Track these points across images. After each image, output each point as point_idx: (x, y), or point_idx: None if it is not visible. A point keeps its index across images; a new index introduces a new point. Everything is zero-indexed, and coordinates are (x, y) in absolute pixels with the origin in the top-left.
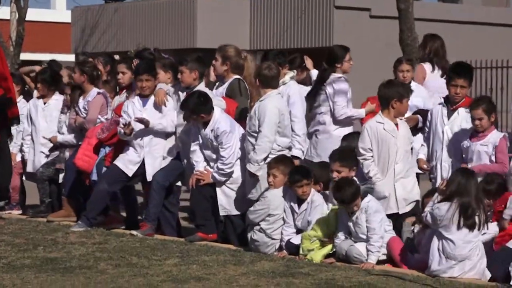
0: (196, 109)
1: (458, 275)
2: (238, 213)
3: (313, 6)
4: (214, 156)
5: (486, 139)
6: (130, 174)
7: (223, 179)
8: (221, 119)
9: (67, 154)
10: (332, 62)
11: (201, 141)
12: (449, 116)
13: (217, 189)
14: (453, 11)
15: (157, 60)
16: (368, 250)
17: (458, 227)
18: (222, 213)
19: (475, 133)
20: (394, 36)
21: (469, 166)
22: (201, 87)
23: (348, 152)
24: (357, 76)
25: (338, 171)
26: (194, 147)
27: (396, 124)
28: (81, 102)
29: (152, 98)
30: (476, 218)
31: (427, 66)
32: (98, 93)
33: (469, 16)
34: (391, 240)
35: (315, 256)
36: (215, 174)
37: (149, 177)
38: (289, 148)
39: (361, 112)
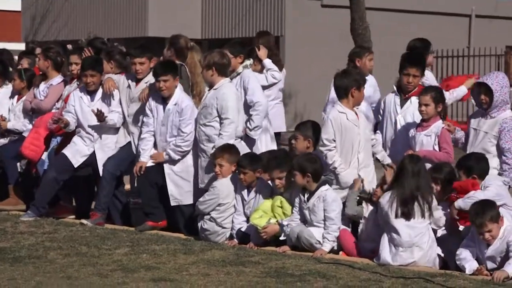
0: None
1: (408, 263)
2: (189, 203)
3: None
4: (174, 133)
5: (430, 129)
6: (75, 165)
7: (177, 157)
8: (183, 95)
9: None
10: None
11: (160, 118)
12: (402, 105)
13: (167, 179)
14: (403, 1)
15: (107, 50)
16: (324, 237)
17: (396, 215)
18: (173, 203)
19: (421, 122)
20: (346, 25)
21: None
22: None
23: (282, 156)
24: (309, 65)
25: (280, 178)
26: (144, 135)
27: (356, 114)
28: (42, 85)
29: (99, 93)
30: (417, 207)
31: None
32: (63, 80)
33: (421, 5)
34: (342, 232)
35: (260, 221)
36: (171, 152)
37: (101, 172)
38: (242, 138)
39: (463, 89)
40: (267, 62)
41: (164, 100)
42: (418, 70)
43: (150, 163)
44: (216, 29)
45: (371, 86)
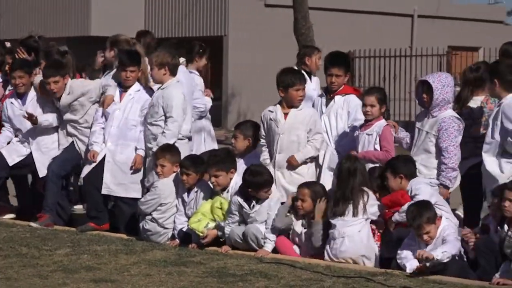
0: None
1: (341, 253)
2: (121, 195)
3: None
4: (132, 119)
5: (371, 128)
6: (10, 163)
7: (173, 140)
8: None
9: None
10: None
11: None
12: (327, 104)
13: (105, 167)
14: (346, 2)
15: (41, 48)
16: (266, 238)
17: (333, 215)
18: (103, 191)
19: (364, 122)
20: (289, 25)
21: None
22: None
23: (223, 155)
24: (253, 65)
25: (216, 176)
26: (95, 128)
27: (286, 114)
28: None
29: (30, 94)
30: (351, 206)
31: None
32: (4, 80)
33: (364, 5)
34: (279, 239)
35: (198, 225)
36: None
37: (40, 173)
38: (189, 138)
39: None
40: None
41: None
42: (341, 70)
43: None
44: (160, 28)
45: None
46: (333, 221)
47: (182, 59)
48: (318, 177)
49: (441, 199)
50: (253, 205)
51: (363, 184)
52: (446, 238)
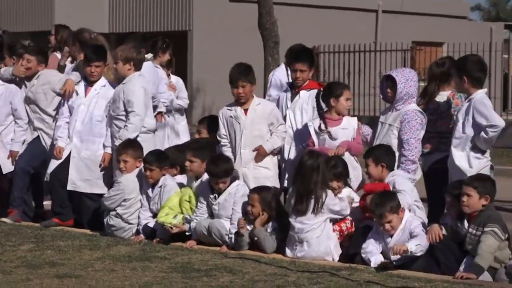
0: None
1: (301, 256)
2: (86, 191)
3: None
4: (98, 114)
5: (344, 123)
6: None
7: (135, 134)
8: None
9: None
10: None
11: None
12: (292, 99)
13: (71, 162)
14: None
15: (5, 43)
16: (230, 232)
17: (292, 212)
18: (69, 187)
19: (327, 116)
20: (253, 20)
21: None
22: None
23: (203, 144)
24: (217, 59)
25: (191, 161)
26: (60, 122)
27: (246, 110)
28: None
29: None
30: (312, 203)
31: (58, 54)
32: None
33: (329, 0)
34: None
35: (166, 219)
36: (124, 132)
37: (4, 170)
38: (154, 131)
39: None
40: None
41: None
42: (305, 65)
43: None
44: (124, 23)
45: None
46: (292, 222)
47: (150, 55)
48: (284, 172)
49: (417, 196)
50: (215, 196)
51: (324, 181)
52: (415, 231)
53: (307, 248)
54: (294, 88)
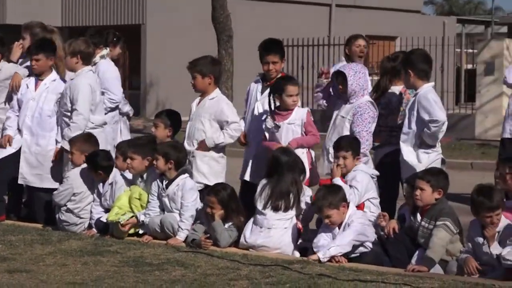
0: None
1: (262, 242)
2: (37, 185)
3: None
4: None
5: (292, 117)
6: None
7: (78, 132)
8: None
9: None
10: None
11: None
12: (262, 92)
13: (21, 157)
14: None
15: None
16: (179, 226)
17: (264, 207)
18: (20, 181)
19: (274, 111)
20: (207, 13)
21: (282, 143)
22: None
23: (143, 141)
24: (171, 53)
25: (132, 158)
26: (9, 114)
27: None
28: None
29: None
30: (288, 200)
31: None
32: None
33: None
34: None
35: (116, 218)
36: (68, 131)
37: None
38: (103, 125)
39: None
40: None
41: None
42: (276, 56)
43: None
44: (77, 17)
45: None
46: (263, 210)
47: (106, 51)
48: (246, 164)
49: (375, 193)
50: (165, 187)
51: (298, 177)
52: (350, 224)
53: (272, 235)
54: (266, 80)
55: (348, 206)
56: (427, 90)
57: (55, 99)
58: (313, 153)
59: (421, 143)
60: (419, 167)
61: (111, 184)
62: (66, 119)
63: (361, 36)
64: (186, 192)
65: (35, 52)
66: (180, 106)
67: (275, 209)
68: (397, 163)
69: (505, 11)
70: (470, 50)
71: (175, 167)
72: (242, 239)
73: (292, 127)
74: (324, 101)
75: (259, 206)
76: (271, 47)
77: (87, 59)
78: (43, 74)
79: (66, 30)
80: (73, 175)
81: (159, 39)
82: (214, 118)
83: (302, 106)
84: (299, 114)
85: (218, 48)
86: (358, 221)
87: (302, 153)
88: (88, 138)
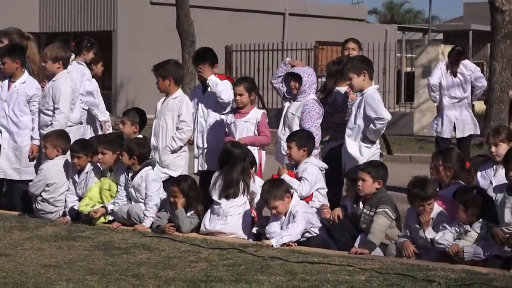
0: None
1: (220, 229)
2: (16, 178)
3: None
4: (16, 109)
5: (249, 116)
6: None
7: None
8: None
9: None
10: None
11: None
12: (203, 92)
13: (2, 152)
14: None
15: None
16: (144, 214)
17: (220, 197)
18: (0, 175)
19: (237, 109)
20: (172, 21)
21: (237, 138)
22: None
23: (113, 137)
24: (139, 57)
25: (102, 153)
26: None
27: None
28: None
29: None
30: (238, 188)
31: None
32: None
33: (241, 3)
34: None
35: (86, 208)
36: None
37: None
38: (81, 123)
39: None
40: None
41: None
42: (205, 65)
43: None
44: (54, 23)
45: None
46: (218, 200)
47: (72, 56)
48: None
49: (323, 184)
50: (131, 177)
51: (248, 166)
52: (295, 216)
53: (228, 222)
54: (204, 85)
55: (291, 197)
56: (373, 91)
57: (25, 99)
58: (263, 153)
59: (364, 138)
60: (361, 160)
61: (86, 173)
62: (45, 117)
63: (351, 39)
64: (149, 183)
65: (0, 57)
66: (147, 105)
67: (227, 197)
68: (341, 156)
69: (441, 20)
70: (410, 55)
71: (138, 161)
72: (202, 226)
73: (247, 125)
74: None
75: (215, 196)
76: (199, 57)
77: (66, 63)
78: (14, 76)
79: (43, 36)
80: (47, 168)
81: (128, 44)
82: (174, 116)
83: (262, 105)
84: (255, 114)
85: (182, 52)
86: (302, 211)
87: (254, 150)
88: (61, 134)
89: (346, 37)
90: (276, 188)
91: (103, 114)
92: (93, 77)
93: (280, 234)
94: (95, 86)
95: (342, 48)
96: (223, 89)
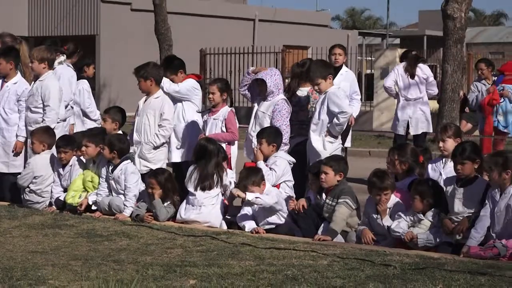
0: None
1: (194, 218)
2: (4, 171)
3: (83, 0)
4: (6, 107)
5: (218, 114)
6: None
7: (53, 125)
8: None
9: None
10: None
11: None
12: None
13: None
14: (200, 6)
15: None
16: (124, 204)
17: (196, 189)
18: None
19: (211, 107)
20: (151, 26)
21: (206, 135)
22: None
23: (96, 131)
24: (121, 59)
25: (86, 146)
26: None
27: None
28: None
29: None
30: (213, 181)
31: None
32: None
33: (214, 10)
34: None
35: (73, 200)
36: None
37: None
38: (65, 120)
39: None
40: None
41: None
42: (169, 72)
43: None
44: (41, 28)
45: (347, 81)
46: (193, 191)
47: (62, 57)
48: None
49: (291, 177)
50: (111, 170)
51: (221, 161)
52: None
53: (202, 212)
54: None
55: (265, 185)
56: (335, 89)
57: (15, 99)
58: (234, 148)
59: (327, 133)
60: (324, 154)
61: (71, 166)
62: (34, 115)
63: (338, 45)
64: (128, 176)
65: None
66: (127, 103)
67: (203, 189)
68: (306, 151)
69: (398, 26)
70: (369, 58)
71: (118, 155)
72: (178, 215)
73: (216, 122)
74: (247, 92)
75: (190, 188)
76: (166, 66)
77: (51, 64)
78: (8, 77)
79: (32, 39)
80: (34, 161)
81: (110, 47)
82: (156, 114)
83: (231, 104)
84: (223, 112)
85: (160, 55)
86: (275, 192)
87: (223, 145)
88: (47, 130)
89: (311, 42)
90: (254, 175)
91: (93, 113)
92: (85, 78)
93: (253, 195)
94: (86, 86)
95: (329, 54)
96: (170, 84)
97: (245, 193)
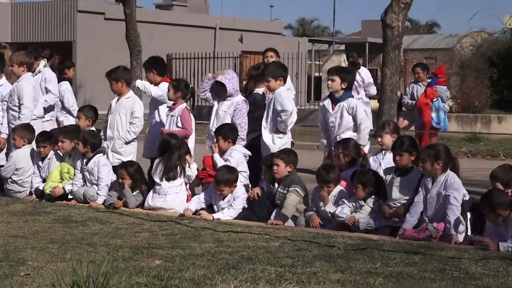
0: None
1: (160, 205)
2: None
3: (61, 9)
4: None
5: (175, 111)
6: None
7: (27, 121)
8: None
9: None
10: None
11: None
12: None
13: None
14: (166, 16)
15: None
16: (97, 193)
17: (161, 179)
18: None
19: (172, 105)
20: (122, 34)
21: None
22: None
23: (71, 128)
24: (95, 64)
25: (62, 141)
26: None
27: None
28: None
29: None
30: (177, 171)
31: None
32: None
33: (180, 19)
34: None
35: (46, 186)
36: (19, 121)
37: None
38: (41, 118)
39: None
40: None
41: None
42: (147, 71)
43: None
44: (23, 35)
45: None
46: (159, 182)
47: (44, 62)
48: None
49: (246, 168)
50: (85, 162)
51: (184, 153)
52: (235, 199)
53: (167, 200)
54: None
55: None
56: (282, 90)
57: (0, 99)
58: (188, 142)
59: (276, 130)
60: (273, 148)
61: (49, 159)
62: (13, 113)
63: (270, 48)
64: (100, 167)
65: None
66: (101, 103)
67: (168, 179)
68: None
69: (343, 34)
70: (318, 62)
71: (91, 149)
72: (145, 203)
73: (173, 119)
74: (210, 95)
75: (156, 179)
76: (145, 66)
77: (30, 67)
78: None
79: (15, 45)
80: (15, 155)
81: (86, 53)
82: (127, 113)
83: (192, 103)
84: (179, 109)
85: (130, 59)
86: (242, 197)
87: None
88: (27, 127)
89: (266, 47)
90: (230, 174)
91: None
92: (66, 79)
93: (223, 216)
94: (68, 87)
95: (263, 56)
96: (150, 88)
97: (212, 215)
